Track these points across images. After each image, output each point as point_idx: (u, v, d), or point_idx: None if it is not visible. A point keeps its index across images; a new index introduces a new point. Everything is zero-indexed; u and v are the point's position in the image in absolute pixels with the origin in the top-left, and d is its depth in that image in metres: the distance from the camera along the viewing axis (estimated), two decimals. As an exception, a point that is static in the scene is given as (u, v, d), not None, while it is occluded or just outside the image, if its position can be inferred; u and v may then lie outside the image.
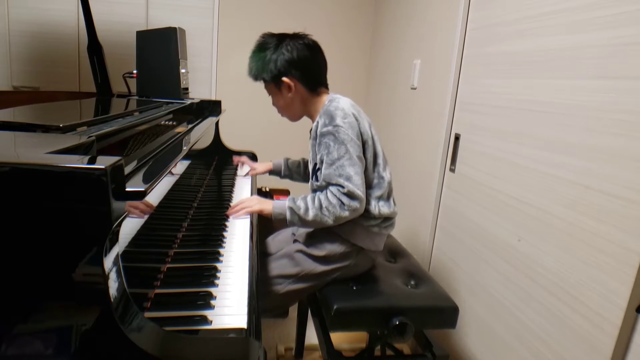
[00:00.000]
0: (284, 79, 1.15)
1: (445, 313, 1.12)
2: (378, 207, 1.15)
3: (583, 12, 0.95)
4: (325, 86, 1.23)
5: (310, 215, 1.08)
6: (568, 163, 0.97)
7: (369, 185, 1.15)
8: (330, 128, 1.08)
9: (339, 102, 1.13)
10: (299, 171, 1.53)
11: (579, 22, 0.96)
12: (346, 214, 1.06)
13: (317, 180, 1.17)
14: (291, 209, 1.09)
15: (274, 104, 1.25)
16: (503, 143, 1.21)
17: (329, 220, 1.07)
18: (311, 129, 1.25)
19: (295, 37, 1.17)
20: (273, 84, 1.18)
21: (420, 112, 1.79)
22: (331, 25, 2.53)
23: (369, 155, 1.14)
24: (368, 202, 1.14)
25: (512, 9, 1.20)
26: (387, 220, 1.19)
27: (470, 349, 1.35)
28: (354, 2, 2.53)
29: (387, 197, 1.18)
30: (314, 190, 1.20)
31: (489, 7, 1.33)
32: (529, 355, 1.08)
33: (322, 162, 1.11)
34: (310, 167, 1.22)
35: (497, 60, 1.27)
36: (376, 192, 1.16)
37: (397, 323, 1.06)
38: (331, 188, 1.08)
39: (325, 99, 1.19)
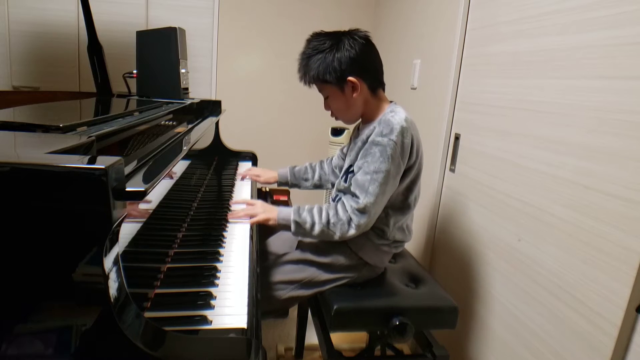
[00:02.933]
0: (350, 78, 1.07)
1: (445, 313, 1.12)
2: (394, 233, 1.14)
3: (583, 12, 0.95)
4: (383, 87, 1.16)
5: (317, 230, 1.06)
6: (568, 163, 0.97)
7: (392, 207, 1.12)
8: (384, 140, 1.02)
9: (401, 115, 1.06)
10: (306, 177, 1.48)
11: (579, 22, 0.96)
12: (352, 232, 1.04)
13: (345, 181, 1.13)
14: (296, 222, 1.07)
15: (330, 107, 1.15)
16: (503, 143, 1.21)
17: (335, 237, 1.06)
18: (357, 127, 1.22)
19: (351, 33, 1.09)
20: (337, 85, 1.09)
21: (420, 112, 1.79)
22: (331, 25, 2.52)
23: (407, 180, 1.10)
24: (387, 224, 1.12)
25: (512, 9, 1.20)
26: (399, 242, 1.18)
27: (470, 349, 1.35)
28: (353, 2, 2.53)
29: (404, 226, 1.16)
30: (339, 191, 1.17)
31: (489, 7, 1.33)
32: (529, 355, 1.08)
33: (359, 168, 1.06)
34: (345, 166, 1.17)
35: (497, 60, 1.27)
36: (398, 217, 1.13)
37: (397, 323, 1.06)
38: (346, 200, 1.05)
39: (386, 105, 1.14)
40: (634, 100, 0.81)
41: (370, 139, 1.05)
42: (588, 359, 0.89)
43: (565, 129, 0.98)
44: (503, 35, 1.24)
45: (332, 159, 1.47)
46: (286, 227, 1.10)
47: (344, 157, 1.42)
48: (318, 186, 1.48)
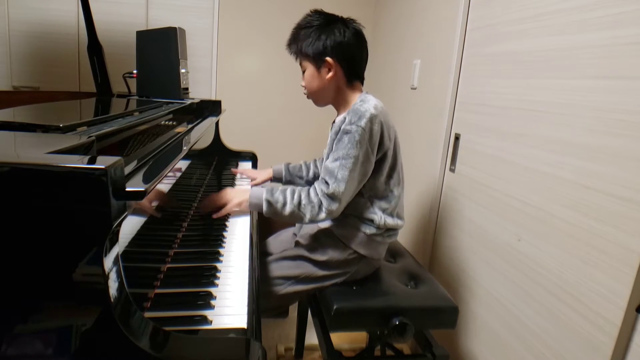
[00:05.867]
0: (328, 58, 1.11)
1: (445, 313, 1.12)
2: (383, 219, 1.14)
3: (583, 12, 0.95)
4: (362, 80, 1.20)
5: (287, 210, 1.07)
6: (568, 163, 0.97)
7: (376, 196, 1.14)
8: (353, 127, 1.05)
9: (370, 103, 1.09)
10: (301, 175, 1.50)
11: (579, 22, 0.96)
12: (322, 215, 1.06)
13: None
14: (268, 201, 1.08)
15: (305, 84, 1.18)
16: (503, 143, 1.21)
17: (305, 219, 1.08)
18: (333, 122, 1.23)
19: (347, 21, 1.13)
20: (314, 61, 1.13)
21: (420, 112, 1.79)
22: (331, 25, 2.53)
23: (385, 167, 1.13)
24: (374, 212, 1.14)
25: (512, 9, 1.20)
26: (391, 230, 1.18)
27: (470, 349, 1.35)
28: (353, 2, 2.53)
29: (394, 212, 1.17)
30: None
31: (489, 7, 1.33)
32: (529, 355, 1.08)
33: (328, 156, 1.10)
34: (325, 161, 1.18)
35: (497, 60, 1.27)
36: (383, 205, 1.15)
37: (397, 323, 1.06)
38: (317, 184, 1.08)
39: (358, 96, 1.16)
40: (634, 100, 0.81)
41: (341, 128, 1.08)
42: (588, 359, 0.89)
43: (565, 129, 0.98)
44: (503, 35, 1.24)
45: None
46: (257, 207, 1.11)
47: None
48: (312, 184, 1.48)
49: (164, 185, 0.89)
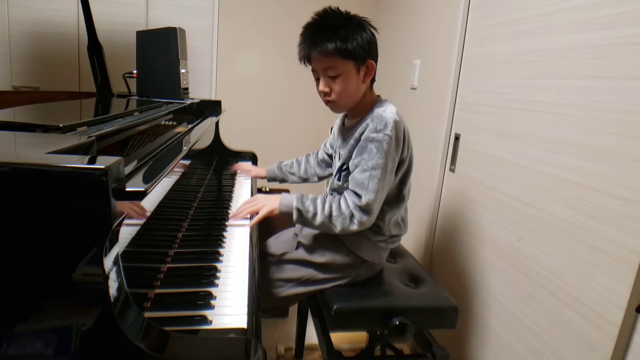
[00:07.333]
0: (370, 60, 1.06)
1: (445, 313, 1.12)
2: (390, 228, 1.14)
3: (583, 12, 0.95)
4: None
5: (318, 221, 1.05)
6: (568, 163, 0.97)
7: (387, 202, 1.12)
8: (380, 135, 1.02)
9: (391, 109, 1.06)
10: (293, 172, 1.49)
11: (579, 22, 0.95)
12: (354, 227, 1.03)
13: (339, 180, 1.13)
14: (298, 210, 1.05)
15: (339, 87, 1.06)
16: (503, 143, 1.21)
17: (336, 230, 1.05)
18: (342, 124, 1.21)
19: (367, 20, 1.09)
20: (358, 63, 1.05)
21: (420, 112, 1.79)
22: (331, 25, 2.52)
23: (401, 172, 1.11)
24: (382, 220, 1.12)
25: (512, 9, 1.20)
26: (395, 236, 1.18)
27: (470, 349, 1.35)
28: (353, 2, 2.52)
29: (400, 219, 1.17)
30: (333, 190, 1.18)
31: (489, 7, 1.33)
32: (529, 355, 1.08)
33: (355, 166, 1.06)
34: (338, 164, 1.16)
35: (497, 60, 1.27)
36: (393, 212, 1.13)
37: (397, 323, 1.06)
38: (348, 195, 1.04)
39: (375, 99, 1.13)
40: (634, 100, 0.81)
41: (364, 136, 1.05)
42: (588, 359, 0.89)
43: (565, 129, 0.98)
44: (503, 35, 1.24)
45: (317, 152, 1.49)
46: (288, 215, 1.07)
47: (327, 151, 1.43)
48: (305, 179, 1.49)
49: (164, 185, 0.89)
